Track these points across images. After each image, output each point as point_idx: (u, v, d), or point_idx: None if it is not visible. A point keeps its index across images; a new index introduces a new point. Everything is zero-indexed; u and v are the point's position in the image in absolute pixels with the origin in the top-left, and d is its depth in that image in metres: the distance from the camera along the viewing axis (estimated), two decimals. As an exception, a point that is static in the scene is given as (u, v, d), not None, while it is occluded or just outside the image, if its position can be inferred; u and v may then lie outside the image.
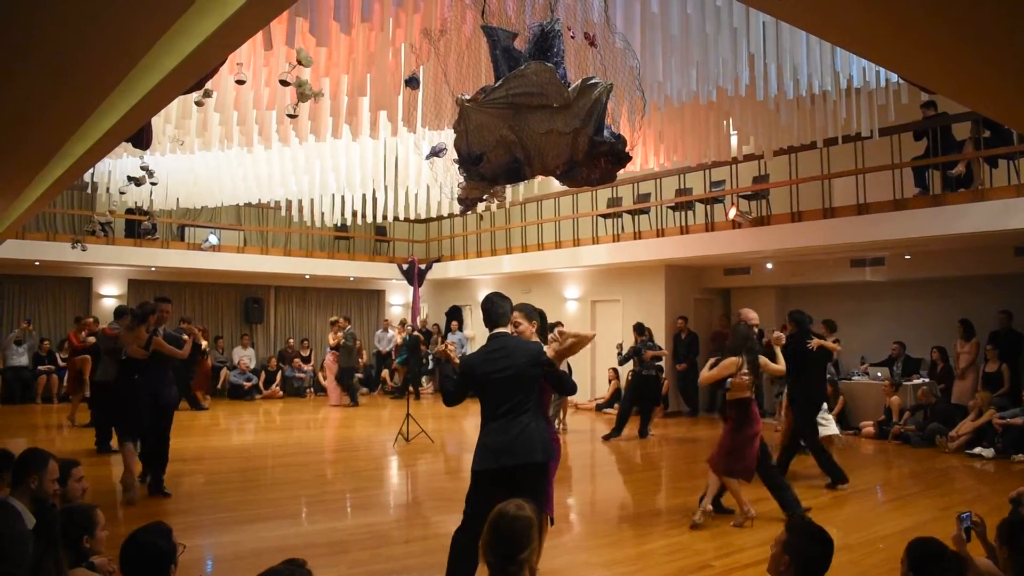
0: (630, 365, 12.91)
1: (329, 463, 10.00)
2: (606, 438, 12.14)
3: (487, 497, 4.38)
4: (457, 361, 4.84)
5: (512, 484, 4.35)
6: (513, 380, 4.52)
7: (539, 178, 7.77)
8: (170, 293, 17.60)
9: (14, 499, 3.77)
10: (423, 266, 14.81)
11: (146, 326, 7.78)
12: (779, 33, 6.49)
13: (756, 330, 7.40)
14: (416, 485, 9.18)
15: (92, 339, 11.96)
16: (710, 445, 11.76)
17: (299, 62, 4.89)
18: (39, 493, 3.87)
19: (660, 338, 14.76)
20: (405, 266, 14.54)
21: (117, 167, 9.94)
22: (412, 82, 4.77)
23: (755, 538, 6.24)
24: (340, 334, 16.37)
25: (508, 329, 4.75)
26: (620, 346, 13.12)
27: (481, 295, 18.38)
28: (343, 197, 11.36)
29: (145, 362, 7.78)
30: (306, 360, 18.58)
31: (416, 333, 16.63)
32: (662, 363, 13.44)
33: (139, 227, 15.77)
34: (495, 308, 4.71)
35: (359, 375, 17.80)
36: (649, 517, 7.32)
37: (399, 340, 18.47)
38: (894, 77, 7.30)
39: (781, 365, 7.25)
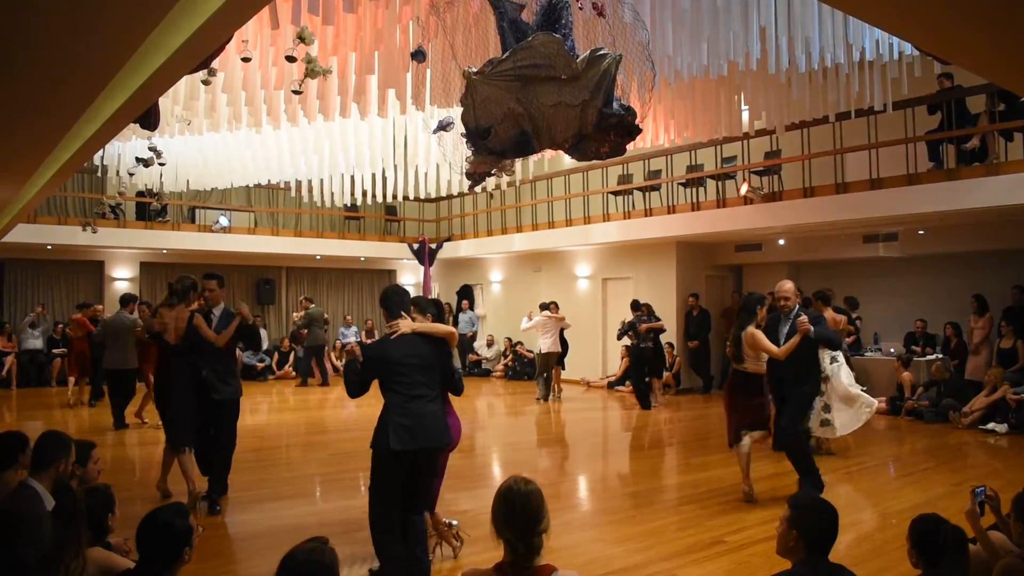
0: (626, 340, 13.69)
1: (342, 442, 10.04)
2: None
3: (394, 477, 4.59)
4: (361, 359, 4.93)
5: (413, 467, 4.57)
6: (421, 366, 4.71)
7: (549, 155, 7.71)
8: (182, 275, 17.72)
9: (34, 481, 3.80)
10: (434, 245, 14.83)
11: (186, 304, 6.66)
12: (790, 5, 6.41)
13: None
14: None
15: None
16: (722, 421, 11.81)
17: (301, 40, 4.86)
18: (61, 477, 3.90)
19: (671, 315, 14.84)
20: (416, 246, 14.55)
21: (126, 149, 9.94)
22: (418, 55, 4.73)
23: (766, 514, 6.24)
24: (300, 314, 16.54)
25: None
26: (624, 322, 13.64)
27: (492, 274, 18.60)
28: (353, 177, 11.34)
29: (189, 349, 6.55)
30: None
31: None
32: (662, 336, 14.02)
33: (149, 209, 15.84)
34: (396, 299, 4.97)
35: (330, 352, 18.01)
36: (660, 493, 7.34)
37: None
38: (908, 49, 7.21)
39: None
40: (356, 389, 4.84)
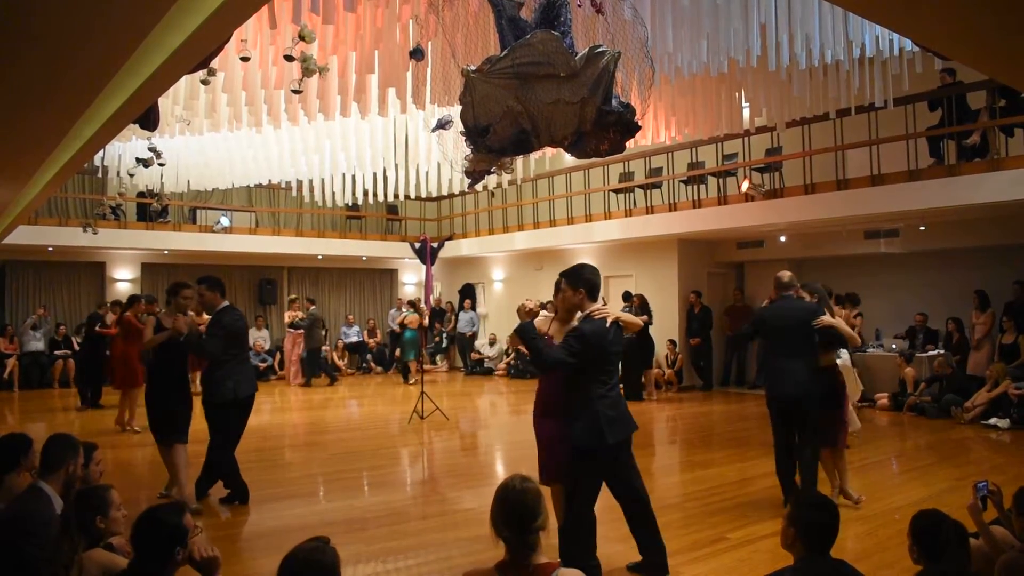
0: None
1: (345, 442, 10.05)
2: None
3: (603, 474, 4.61)
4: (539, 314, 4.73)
5: (616, 458, 4.60)
6: (619, 355, 4.66)
7: (550, 153, 7.66)
8: (183, 276, 17.68)
9: (44, 484, 3.81)
10: (435, 244, 14.79)
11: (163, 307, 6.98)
12: (790, 2, 6.40)
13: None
14: (432, 462, 9.22)
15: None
16: (725, 419, 11.83)
17: (302, 38, 4.86)
18: (70, 479, 3.91)
19: (673, 313, 14.91)
20: (417, 245, 14.53)
21: (127, 150, 9.95)
22: (416, 53, 4.73)
23: (769, 511, 6.23)
24: (301, 314, 16.52)
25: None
26: None
27: (494, 273, 18.49)
28: (354, 176, 11.34)
29: (174, 349, 6.65)
30: (321, 340, 18.61)
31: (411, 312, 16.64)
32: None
33: (150, 210, 15.85)
34: (597, 281, 4.75)
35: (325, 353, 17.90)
36: (663, 491, 7.33)
37: (398, 326, 17.76)
38: (908, 45, 7.20)
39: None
40: (567, 364, 4.44)
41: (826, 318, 6.21)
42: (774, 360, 6.49)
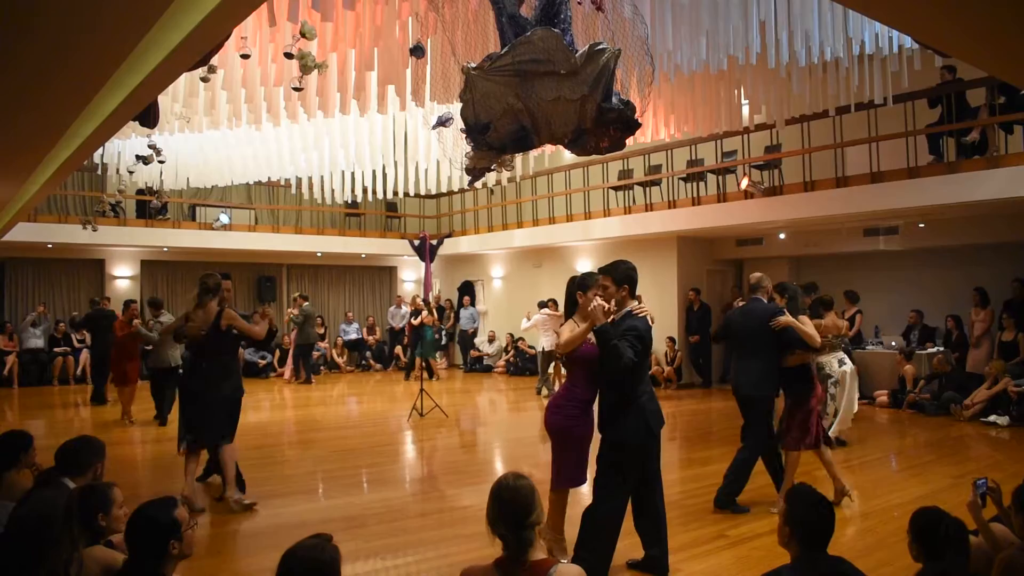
0: None
1: (344, 439, 10.05)
2: None
3: (641, 467, 4.66)
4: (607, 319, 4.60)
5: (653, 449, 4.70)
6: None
7: (549, 150, 7.61)
8: (183, 273, 17.76)
9: (69, 480, 3.83)
10: (434, 242, 14.77)
11: (218, 300, 6.58)
12: (790, -1, 6.40)
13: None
14: (431, 460, 9.23)
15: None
16: (724, 416, 11.83)
17: (302, 35, 4.86)
18: (99, 480, 3.93)
19: (672, 310, 14.89)
20: (416, 242, 14.51)
21: (126, 147, 9.93)
22: (417, 51, 4.72)
23: (768, 509, 6.24)
24: (296, 311, 16.48)
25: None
26: None
27: (493, 270, 18.41)
28: (353, 173, 11.33)
29: (211, 347, 6.53)
30: (320, 338, 18.60)
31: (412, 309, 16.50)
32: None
33: (149, 207, 15.84)
34: (636, 278, 4.82)
35: (317, 352, 17.84)
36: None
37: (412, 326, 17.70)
38: (908, 42, 7.20)
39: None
40: (635, 363, 4.45)
41: (783, 318, 6.23)
42: (737, 360, 6.78)
